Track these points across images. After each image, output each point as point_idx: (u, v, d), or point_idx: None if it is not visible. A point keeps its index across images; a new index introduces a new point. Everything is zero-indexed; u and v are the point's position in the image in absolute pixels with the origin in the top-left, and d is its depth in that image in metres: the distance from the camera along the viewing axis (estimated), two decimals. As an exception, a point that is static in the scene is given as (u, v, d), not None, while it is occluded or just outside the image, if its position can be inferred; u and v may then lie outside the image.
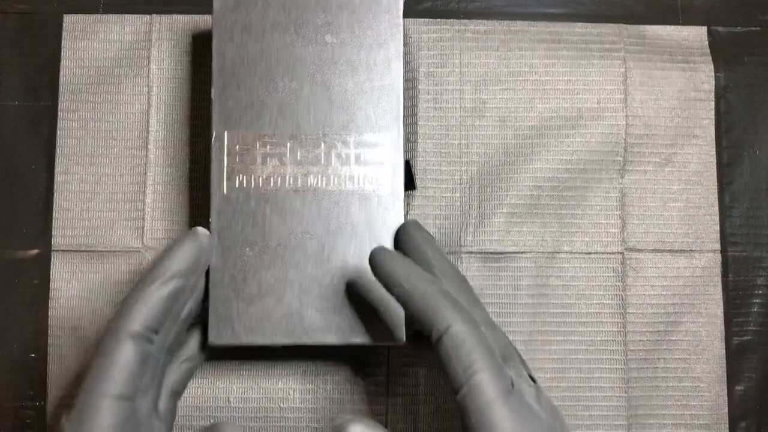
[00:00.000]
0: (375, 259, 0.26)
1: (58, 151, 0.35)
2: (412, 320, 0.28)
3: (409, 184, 0.33)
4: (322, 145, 0.30)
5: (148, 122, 0.35)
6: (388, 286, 0.26)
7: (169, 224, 0.34)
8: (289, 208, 0.29)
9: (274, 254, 0.29)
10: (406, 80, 0.35)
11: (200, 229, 0.27)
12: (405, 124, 0.35)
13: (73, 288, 0.34)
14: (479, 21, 0.36)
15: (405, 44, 0.36)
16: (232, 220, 0.29)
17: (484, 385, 0.23)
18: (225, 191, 0.29)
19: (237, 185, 0.29)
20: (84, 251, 0.34)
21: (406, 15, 0.36)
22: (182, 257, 0.25)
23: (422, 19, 0.36)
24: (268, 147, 0.29)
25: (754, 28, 0.37)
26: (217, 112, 0.29)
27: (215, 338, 0.28)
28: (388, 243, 0.30)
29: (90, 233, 0.34)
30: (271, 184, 0.29)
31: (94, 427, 0.22)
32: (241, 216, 0.29)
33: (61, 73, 0.35)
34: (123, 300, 0.24)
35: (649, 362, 0.35)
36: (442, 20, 0.36)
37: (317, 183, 0.30)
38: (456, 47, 0.35)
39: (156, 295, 0.24)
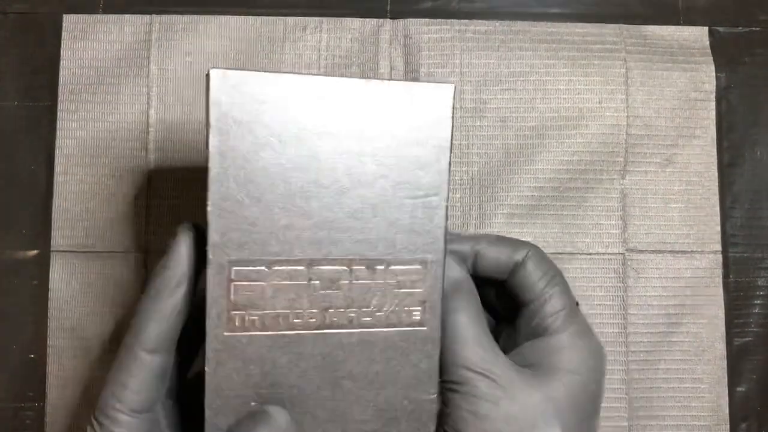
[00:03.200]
0: None
1: (57, 151, 0.34)
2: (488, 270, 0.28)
3: None
4: (347, 273, 0.24)
5: (148, 122, 0.35)
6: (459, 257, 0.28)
7: (169, 225, 0.34)
8: (306, 353, 0.24)
9: (286, 410, 0.24)
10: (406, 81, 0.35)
11: (186, 225, 0.25)
12: None
13: (72, 288, 0.34)
14: (480, 21, 0.36)
15: (405, 53, 0.36)
16: (235, 369, 0.23)
17: (563, 296, 0.26)
18: (225, 334, 0.23)
19: (240, 325, 0.23)
20: (83, 252, 0.34)
21: (407, 15, 0.36)
22: (183, 260, 0.24)
23: (423, 19, 0.36)
24: (279, 278, 0.23)
25: (755, 29, 0.37)
26: (215, 233, 0.23)
27: None
28: (419, 393, 0.25)
29: (89, 234, 0.34)
30: (284, 323, 0.24)
31: None
32: (246, 364, 0.23)
33: (61, 73, 0.35)
34: (135, 315, 0.24)
35: (649, 363, 0.35)
36: (443, 20, 0.36)
37: (340, 321, 0.24)
38: (456, 47, 0.35)
39: (168, 305, 0.23)
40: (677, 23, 0.37)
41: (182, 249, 0.24)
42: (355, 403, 0.24)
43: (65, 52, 0.35)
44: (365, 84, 0.23)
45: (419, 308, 0.24)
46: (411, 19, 0.36)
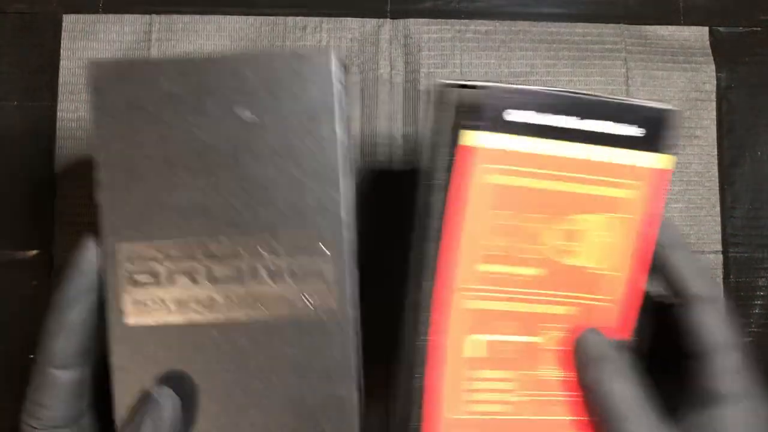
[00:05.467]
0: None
1: (57, 151, 0.34)
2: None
3: None
4: (244, 254, 0.22)
5: (148, 122, 0.35)
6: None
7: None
8: (206, 342, 0.23)
9: (189, 400, 0.23)
10: (406, 81, 0.35)
11: (90, 236, 0.24)
12: (406, 125, 0.35)
13: (72, 289, 0.34)
14: (480, 21, 0.36)
15: (405, 53, 0.36)
16: (136, 359, 0.23)
17: (739, 358, 0.23)
18: (124, 323, 0.22)
19: (138, 314, 0.22)
20: (84, 252, 0.34)
21: (407, 15, 0.36)
22: (85, 272, 0.23)
23: (423, 20, 0.36)
24: (174, 262, 0.22)
25: (755, 29, 0.37)
26: (105, 221, 0.23)
27: None
28: (335, 387, 0.23)
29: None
30: (184, 312, 0.23)
31: None
32: (150, 353, 0.23)
33: (61, 73, 0.35)
34: (42, 331, 0.23)
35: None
36: (443, 20, 0.36)
37: (239, 305, 0.23)
38: (457, 47, 0.35)
39: (72, 319, 0.23)
40: (677, 23, 0.37)
41: (84, 261, 0.23)
42: (266, 394, 0.23)
43: (65, 52, 0.35)
44: (235, 59, 0.22)
45: (327, 293, 0.22)
46: (411, 19, 0.36)
